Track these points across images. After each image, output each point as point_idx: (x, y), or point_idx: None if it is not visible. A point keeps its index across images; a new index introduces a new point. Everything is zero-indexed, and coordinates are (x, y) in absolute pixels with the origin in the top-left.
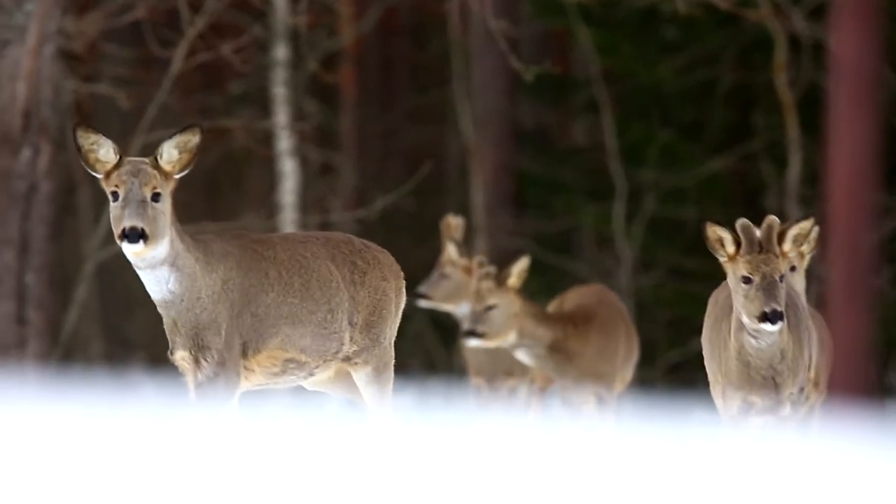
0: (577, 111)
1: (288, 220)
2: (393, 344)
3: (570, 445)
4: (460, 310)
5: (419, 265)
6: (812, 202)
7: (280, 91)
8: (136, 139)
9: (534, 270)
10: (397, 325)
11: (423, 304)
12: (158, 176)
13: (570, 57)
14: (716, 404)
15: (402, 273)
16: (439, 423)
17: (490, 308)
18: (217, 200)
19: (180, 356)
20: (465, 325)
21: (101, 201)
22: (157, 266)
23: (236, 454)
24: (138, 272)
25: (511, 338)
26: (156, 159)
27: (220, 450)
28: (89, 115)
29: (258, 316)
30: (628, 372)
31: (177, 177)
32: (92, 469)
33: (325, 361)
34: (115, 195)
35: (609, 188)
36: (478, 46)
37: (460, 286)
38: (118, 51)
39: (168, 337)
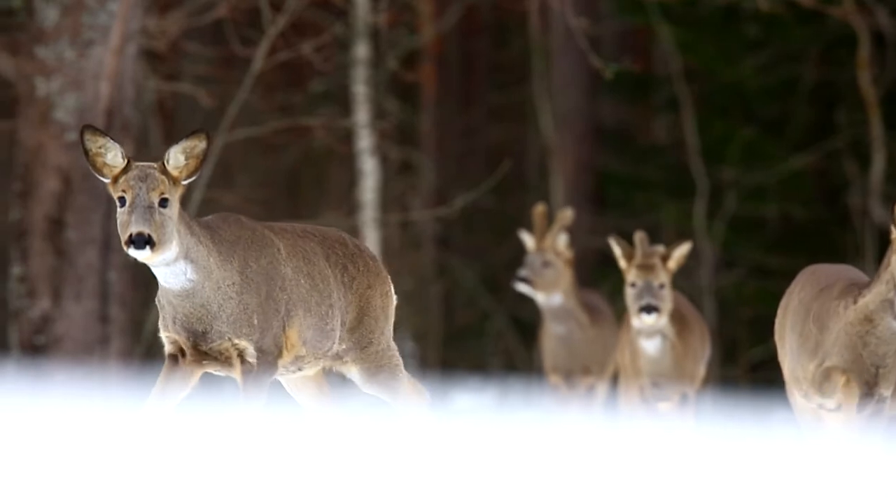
0: (658, 109)
1: (368, 218)
2: (391, 346)
3: (651, 444)
4: (552, 300)
5: (499, 263)
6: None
7: (360, 89)
8: (217, 138)
9: (613, 268)
10: (390, 327)
11: (522, 288)
12: (166, 181)
13: (651, 54)
14: (791, 403)
15: (388, 278)
16: (518, 422)
17: (663, 286)
18: (298, 198)
19: (213, 349)
20: (644, 300)
21: (182, 199)
22: (171, 263)
23: (277, 448)
24: (152, 269)
25: (665, 320)
26: (163, 164)
27: (269, 443)
28: (171, 114)
29: (285, 290)
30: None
31: (185, 182)
32: (174, 462)
33: (315, 359)
34: (122, 200)
35: (690, 186)
36: (558, 44)
37: (560, 276)
38: (200, 50)
39: (181, 328)
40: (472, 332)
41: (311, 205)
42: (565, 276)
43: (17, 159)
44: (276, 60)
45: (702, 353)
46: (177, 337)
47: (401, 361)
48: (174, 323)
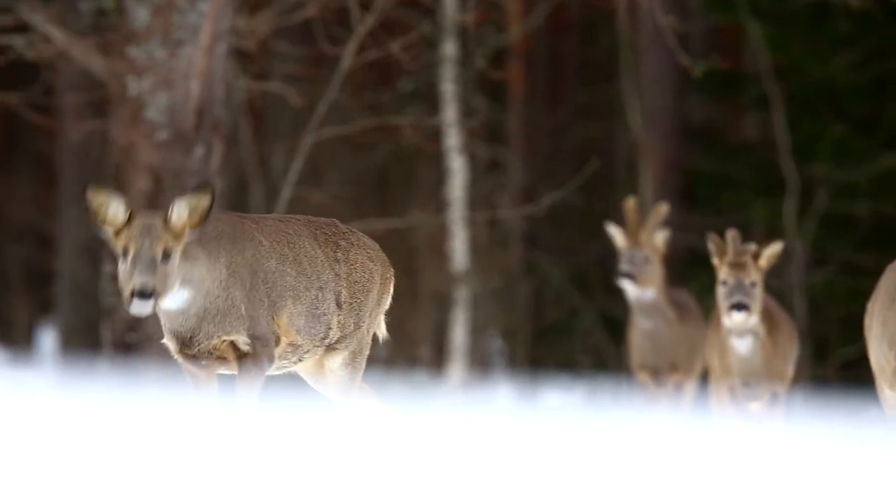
0: (748, 106)
1: (456, 216)
2: (370, 333)
3: (740, 443)
4: (644, 296)
5: (587, 260)
6: None
7: (449, 88)
8: (306, 137)
9: (701, 266)
10: (379, 316)
11: (625, 284)
12: (169, 234)
13: (740, 52)
14: (880, 399)
15: (390, 266)
16: (606, 420)
17: (754, 284)
18: (386, 197)
19: (201, 350)
20: (735, 298)
21: (272, 197)
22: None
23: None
24: None
25: (755, 319)
26: (166, 218)
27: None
28: (261, 113)
29: (268, 283)
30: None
31: (188, 234)
32: (264, 456)
33: (314, 346)
34: (125, 253)
35: (780, 184)
36: (646, 42)
37: (655, 272)
38: (289, 49)
39: (169, 334)
40: (560, 330)
41: (399, 203)
42: (659, 271)
43: (109, 158)
44: (364, 59)
45: (791, 353)
46: (168, 343)
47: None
48: (166, 330)
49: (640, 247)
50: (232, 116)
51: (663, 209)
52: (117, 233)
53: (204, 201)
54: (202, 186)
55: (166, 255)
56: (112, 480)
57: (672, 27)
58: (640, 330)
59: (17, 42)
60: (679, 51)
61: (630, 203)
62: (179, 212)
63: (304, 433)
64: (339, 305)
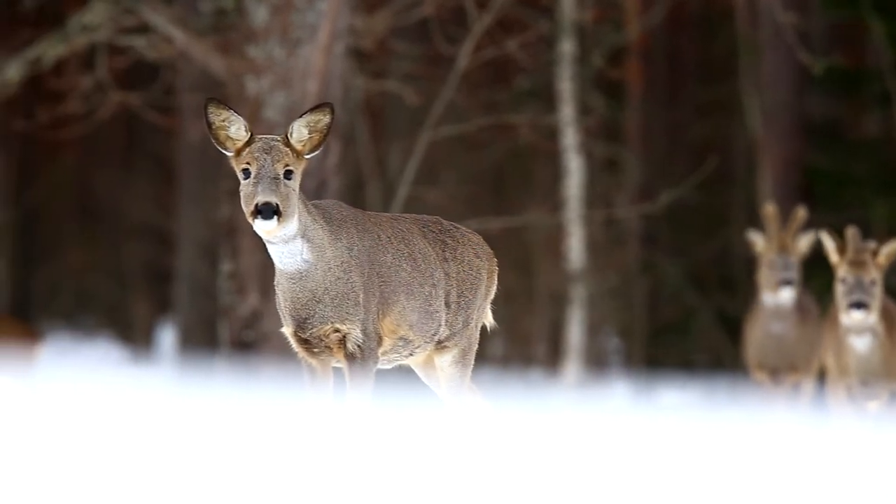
0: (869, 103)
1: (573, 214)
2: (479, 329)
3: (859, 442)
4: (791, 300)
5: (704, 259)
6: None
7: (566, 86)
8: (422, 136)
9: (820, 266)
10: (486, 310)
11: (786, 291)
12: (290, 154)
13: (862, 48)
14: None
15: (494, 257)
16: (723, 419)
17: (874, 282)
18: (502, 195)
19: (313, 334)
20: (854, 296)
21: (388, 197)
22: (289, 240)
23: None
24: (269, 246)
25: (874, 317)
26: (287, 137)
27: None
28: (378, 112)
29: (382, 277)
30: None
31: (307, 156)
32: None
33: (424, 342)
34: (247, 172)
35: None
36: (766, 39)
37: (798, 276)
38: (406, 48)
39: (287, 314)
40: (676, 329)
41: (515, 202)
42: (799, 276)
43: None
44: (481, 58)
45: None
46: (286, 328)
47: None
48: (284, 312)
49: (788, 252)
50: (349, 115)
51: (802, 213)
52: (238, 152)
53: (324, 119)
54: (322, 105)
55: (288, 174)
56: (228, 476)
57: (792, 24)
58: (766, 331)
59: (139, 43)
60: (799, 48)
61: (770, 209)
62: (299, 130)
63: (414, 433)
64: (447, 305)
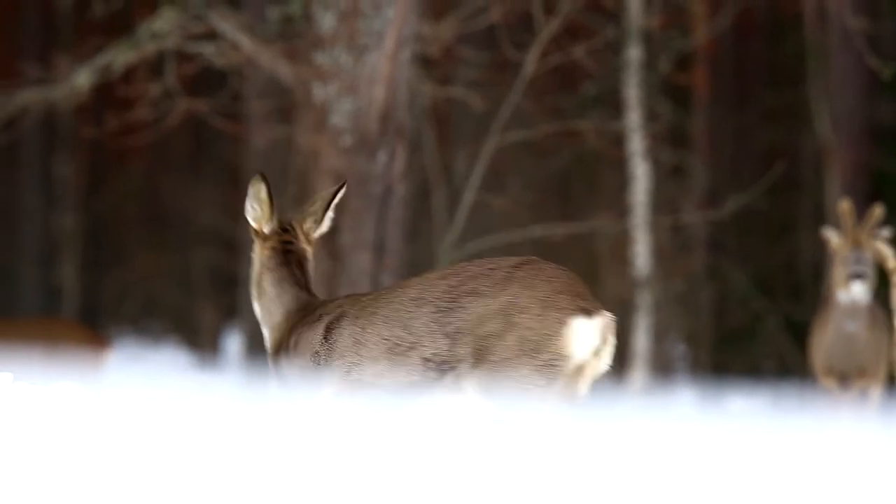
0: None
1: (639, 220)
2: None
3: None
4: (866, 297)
5: (772, 265)
6: None
7: (632, 92)
8: (489, 142)
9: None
10: None
11: (857, 285)
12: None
13: None
14: None
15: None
16: (790, 426)
17: None
18: (569, 202)
19: None
20: None
21: (453, 203)
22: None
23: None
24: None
25: None
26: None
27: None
28: (445, 119)
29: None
30: None
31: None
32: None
33: None
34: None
35: None
36: (835, 44)
37: (873, 274)
38: (473, 54)
39: None
40: (744, 335)
41: (582, 208)
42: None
43: (293, 164)
44: (547, 64)
45: None
46: None
47: None
48: None
49: (862, 248)
50: (416, 122)
51: (879, 211)
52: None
53: (260, 189)
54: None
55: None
56: (294, 481)
57: (861, 29)
58: (839, 332)
59: (207, 50)
60: (868, 52)
61: (845, 206)
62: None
63: (471, 436)
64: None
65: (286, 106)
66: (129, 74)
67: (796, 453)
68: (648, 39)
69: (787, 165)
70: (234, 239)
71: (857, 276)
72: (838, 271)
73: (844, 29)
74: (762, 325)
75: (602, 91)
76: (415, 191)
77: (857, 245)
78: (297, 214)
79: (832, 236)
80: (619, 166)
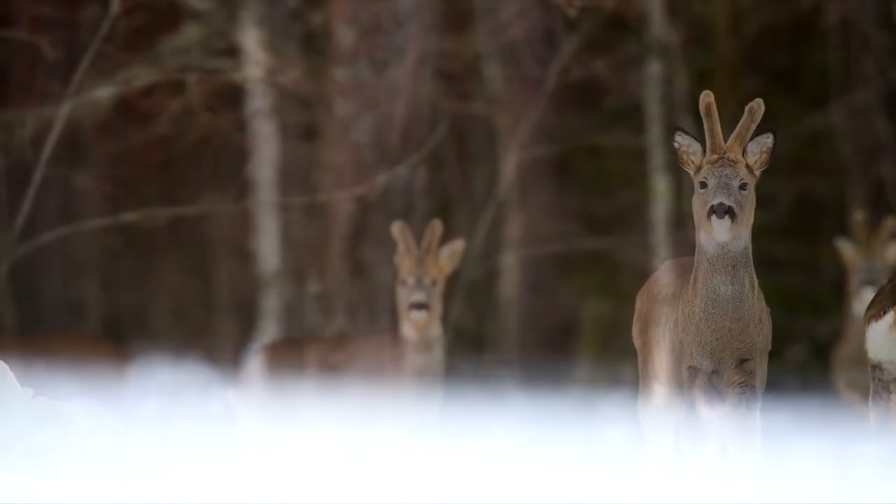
0: None
1: (660, 237)
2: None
3: None
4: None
5: (794, 280)
6: None
7: (654, 108)
8: (509, 156)
9: None
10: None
11: (867, 292)
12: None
13: None
14: None
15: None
16: (812, 442)
17: None
18: (589, 218)
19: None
20: None
21: (474, 219)
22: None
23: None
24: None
25: None
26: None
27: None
28: (465, 135)
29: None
30: None
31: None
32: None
33: None
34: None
35: None
36: (858, 59)
37: None
38: (494, 70)
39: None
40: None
41: (602, 223)
42: None
43: (315, 179)
44: (568, 79)
45: None
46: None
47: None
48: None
49: (875, 257)
50: (436, 137)
51: (892, 222)
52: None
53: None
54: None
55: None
56: (311, 497)
57: (885, 44)
58: (859, 344)
59: (228, 65)
60: (891, 68)
61: (859, 216)
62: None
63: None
64: None
65: (309, 121)
66: (149, 90)
67: (819, 469)
68: (670, 55)
69: (809, 180)
70: (253, 254)
71: (869, 284)
72: (852, 281)
73: (868, 44)
74: (784, 340)
75: (623, 107)
76: (435, 207)
77: (869, 255)
78: None
79: (845, 247)
80: (641, 182)
